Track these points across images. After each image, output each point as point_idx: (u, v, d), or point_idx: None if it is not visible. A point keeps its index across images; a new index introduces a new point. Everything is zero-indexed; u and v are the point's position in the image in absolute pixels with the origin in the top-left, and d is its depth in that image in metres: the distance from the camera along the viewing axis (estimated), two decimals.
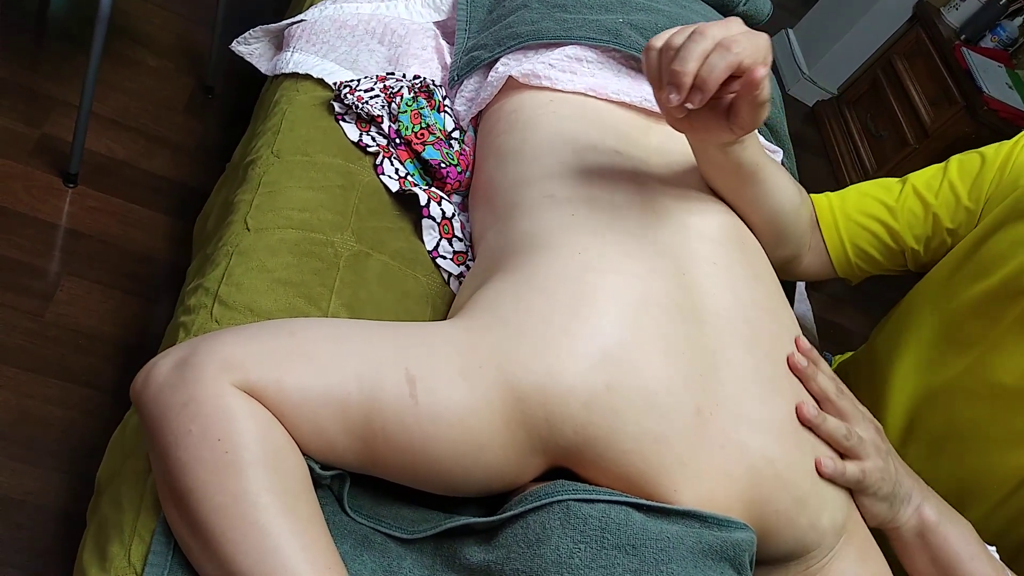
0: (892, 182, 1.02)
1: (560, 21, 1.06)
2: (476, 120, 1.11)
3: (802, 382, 0.78)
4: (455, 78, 1.10)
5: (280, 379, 0.62)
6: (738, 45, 0.65)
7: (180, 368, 0.62)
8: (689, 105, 0.67)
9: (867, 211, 1.00)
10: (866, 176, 3.05)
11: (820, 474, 0.74)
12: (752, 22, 1.51)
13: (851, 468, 0.76)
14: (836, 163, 3.25)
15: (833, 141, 3.32)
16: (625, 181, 0.85)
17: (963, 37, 3.00)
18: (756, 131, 0.84)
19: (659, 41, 0.68)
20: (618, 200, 0.82)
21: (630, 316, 0.70)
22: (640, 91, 1.00)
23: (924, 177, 1.00)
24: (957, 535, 0.80)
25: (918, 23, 3.06)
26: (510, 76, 1.00)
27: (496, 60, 1.06)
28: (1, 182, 1.53)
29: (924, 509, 0.81)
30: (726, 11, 1.45)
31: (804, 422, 0.75)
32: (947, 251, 1.00)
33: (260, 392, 0.62)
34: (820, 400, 0.79)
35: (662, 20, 1.08)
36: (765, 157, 0.86)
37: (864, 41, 3.30)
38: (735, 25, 0.67)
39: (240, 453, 0.59)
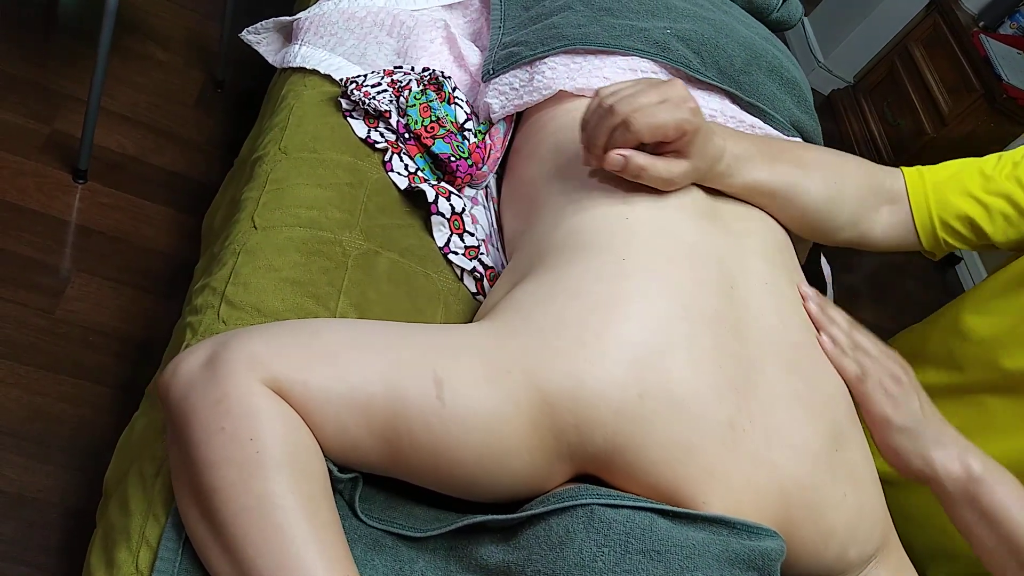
0: (990, 160, 1.00)
1: (608, 27, 1.04)
2: (511, 116, 1.10)
3: (816, 327, 0.82)
4: (490, 71, 1.07)
5: (306, 379, 0.62)
6: (637, 123, 0.76)
7: (210, 365, 0.62)
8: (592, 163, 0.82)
9: (963, 189, 0.97)
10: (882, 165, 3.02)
11: (823, 348, 0.79)
12: (784, 26, 1.51)
13: (848, 362, 0.79)
14: (852, 152, 3.22)
15: (849, 130, 3.28)
16: (686, 189, 0.84)
17: (981, 24, 2.96)
18: (759, 145, 0.88)
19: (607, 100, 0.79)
20: (675, 205, 0.81)
21: (666, 323, 0.68)
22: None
23: (1020, 152, 0.98)
24: (1004, 487, 0.76)
25: (935, 10, 3.01)
26: (562, 89, 0.99)
27: (539, 60, 1.04)
28: (12, 179, 1.53)
29: (968, 459, 0.76)
30: (761, 16, 1.45)
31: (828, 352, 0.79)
32: None
33: (286, 391, 0.61)
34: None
35: (707, 29, 1.06)
36: (765, 171, 0.86)
37: (880, 28, 3.26)
38: (649, 95, 0.76)
39: (269, 453, 0.58)
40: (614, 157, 0.78)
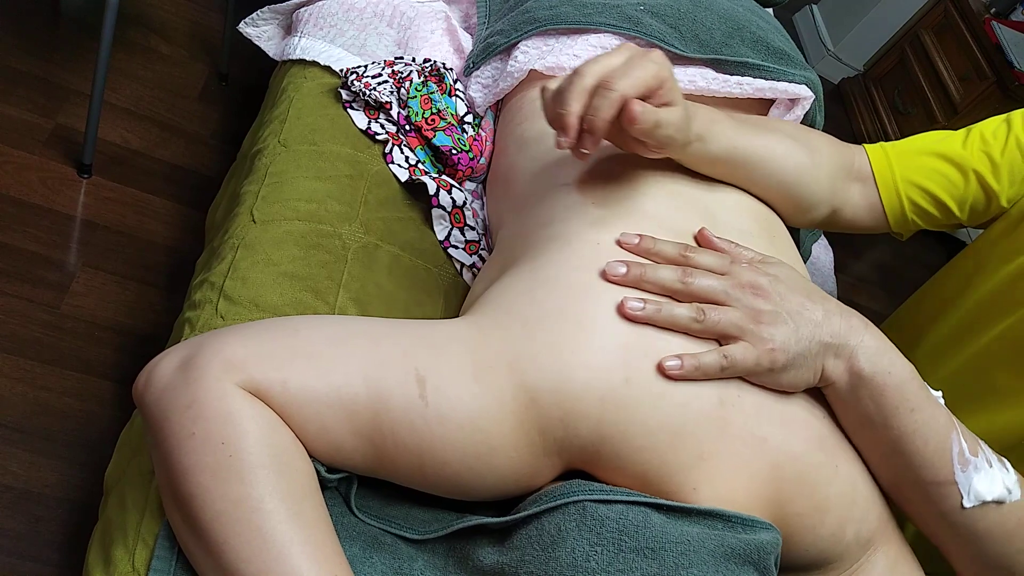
0: (956, 135, 0.96)
1: (580, 7, 1.03)
2: (495, 106, 1.09)
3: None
4: (471, 66, 1.07)
5: (285, 379, 0.61)
6: (618, 81, 0.64)
7: (183, 369, 0.61)
8: (583, 150, 0.67)
9: (929, 166, 0.95)
10: None
11: (668, 378, 0.64)
12: (773, 1, 1.48)
13: (708, 359, 0.65)
14: (862, 141, 3.19)
15: (859, 119, 3.25)
16: (648, 169, 0.82)
17: (993, 10, 2.92)
18: (725, 113, 0.81)
19: (552, 84, 0.68)
20: (641, 187, 0.79)
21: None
22: None
23: (990, 128, 0.95)
24: (895, 386, 0.68)
25: None
26: (533, 69, 0.97)
27: (513, 46, 1.03)
28: (16, 173, 1.53)
29: (856, 359, 0.68)
30: None
31: (630, 319, 0.66)
32: (1004, 211, 0.95)
33: (265, 392, 0.60)
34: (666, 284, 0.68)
35: (683, 2, 1.03)
36: (740, 136, 0.81)
37: (890, 16, 3.22)
38: (617, 56, 0.66)
39: (243, 457, 0.57)
40: (600, 119, 0.65)
